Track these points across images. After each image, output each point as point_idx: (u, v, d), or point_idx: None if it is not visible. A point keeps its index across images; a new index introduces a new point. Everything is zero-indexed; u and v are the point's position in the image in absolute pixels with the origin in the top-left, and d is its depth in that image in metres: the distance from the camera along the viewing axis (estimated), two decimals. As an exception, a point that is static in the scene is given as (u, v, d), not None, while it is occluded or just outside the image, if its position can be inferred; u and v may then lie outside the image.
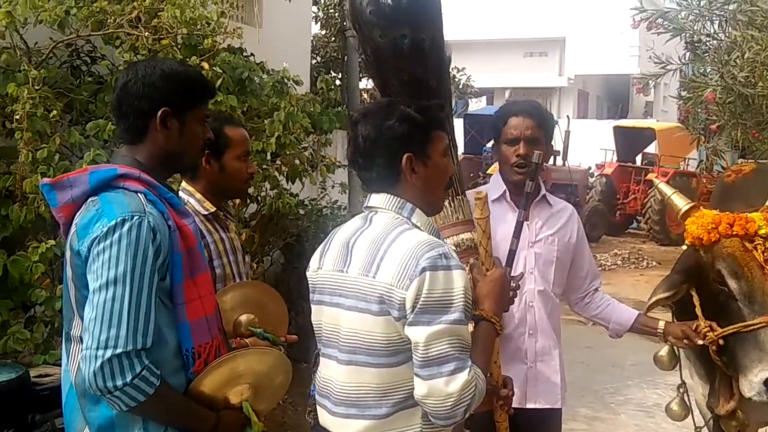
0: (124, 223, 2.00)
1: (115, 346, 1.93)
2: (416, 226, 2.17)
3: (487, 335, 2.21)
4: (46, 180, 2.20)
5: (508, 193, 3.10)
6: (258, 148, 4.72)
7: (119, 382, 1.93)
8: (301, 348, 3.08)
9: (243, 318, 2.70)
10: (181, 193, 2.95)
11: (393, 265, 2.06)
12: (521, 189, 2.86)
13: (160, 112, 2.16)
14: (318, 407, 2.31)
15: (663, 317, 3.18)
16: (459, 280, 2.05)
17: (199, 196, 2.94)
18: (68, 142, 4.14)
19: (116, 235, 1.98)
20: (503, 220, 2.94)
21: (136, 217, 2.01)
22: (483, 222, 2.39)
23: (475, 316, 2.20)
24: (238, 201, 4.66)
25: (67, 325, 2.17)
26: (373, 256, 2.12)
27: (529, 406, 3.04)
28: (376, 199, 2.23)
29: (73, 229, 2.10)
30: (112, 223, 2.00)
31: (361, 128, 2.21)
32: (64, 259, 2.17)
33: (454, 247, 2.54)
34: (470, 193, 3.05)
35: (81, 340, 2.05)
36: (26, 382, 3.50)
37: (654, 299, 3.12)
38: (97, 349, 1.93)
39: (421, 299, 2.01)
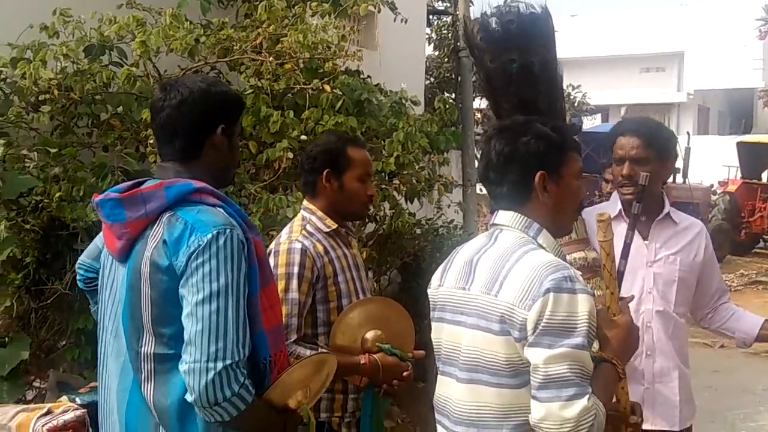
0: (219, 236, 2.05)
1: (224, 358, 1.98)
2: (542, 247, 2.14)
3: (609, 377, 2.12)
4: (112, 194, 2.19)
5: (623, 212, 3.07)
6: (377, 168, 4.78)
7: (228, 393, 1.99)
8: (418, 367, 3.09)
9: (369, 334, 2.73)
10: (302, 212, 3.02)
11: (516, 284, 2.03)
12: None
13: (219, 129, 2.23)
14: (437, 425, 2.31)
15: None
16: (584, 304, 2.00)
17: (320, 213, 2.98)
18: (196, 165, 4.30)
19: (214, 249, 2.03)
20: (619, 239, 2.90)
21: (228, 230, 2.07)
22: (606, 245, 2.31)
23: (596, 357, 2.11)
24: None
25: (134, 343, 2.16)
26: (496, 275, 2.09)
27: (646, 427, 2.96)
28: (503, 217, 2.21)
29: (150, 244, 2.11)
30: (208, 236, 2.04)
31: (495, 143, 2.21)
32: (130, 277, 2.15)
33: None
34: (587, 212, 3.02)
35: (154, 357, 2.10)
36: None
37: None
38: (208, 361, 1.98)
39: (543, 321, 1.97)
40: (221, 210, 2.13)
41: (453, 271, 2.27)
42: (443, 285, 2.29)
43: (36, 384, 4.35)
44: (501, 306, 2.05)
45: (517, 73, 2.68)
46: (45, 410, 2.78)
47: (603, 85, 32.18)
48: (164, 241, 2.08)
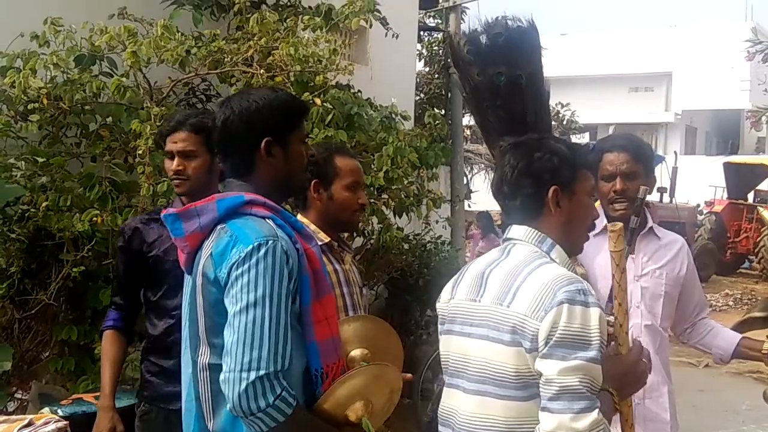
0: (260, 247, 2.04)
1: (258, 368, 1.97)
2: (554, 262, 2.15)
3: (605, 405, 2.07)
4: (171, 210, 2.24)
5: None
6: (366, 182, 4.78)
7: (262, 404, 1.96)
8: (404, 383, 3.06)
9: (356, 353, 2.68)
10: (295, 225, 3.00)
11: (529, 295, 2.04)
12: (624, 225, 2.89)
13: (263, 144, 2.20)
14: None
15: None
16: (596, 317, 2.00)
17: (313, 227, 2.93)
18: (185, 177, 4.28)
19: (253, 260, 2.03)
20: (605, 254, 2.91)
21: (270, 242, 2.06)
22: (617, 255, 2.27)
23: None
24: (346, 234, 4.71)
25: (193, 353, 2.20)
26: (509, 286, 2.10)
27: None
28: (517, 231, 2.23)
29: (204, 257, 2.14)
30: (249, 248, 2.04)
31: (509, 158, 2.23)
32: (191, 288, 2.21)
33: None
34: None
35: (209, 367, 2.11)
36: (143, 408, 3.58)
37: (747, 316, 3.05)
38: (241, 371, 1.97)
39: (558, 333, 1.97)
40: (270, 221, 2.13)
41: (464, 284, 2.28)
42: (454, 298, 2.30)
43: (18, 395, 4.31)
44: (513, 317, 2.06)
45: (504, 86, 2.68)
46: (26, 422, 2.75)
47: (592, 104, 32.38)
48: (211, 254, 2.12)
